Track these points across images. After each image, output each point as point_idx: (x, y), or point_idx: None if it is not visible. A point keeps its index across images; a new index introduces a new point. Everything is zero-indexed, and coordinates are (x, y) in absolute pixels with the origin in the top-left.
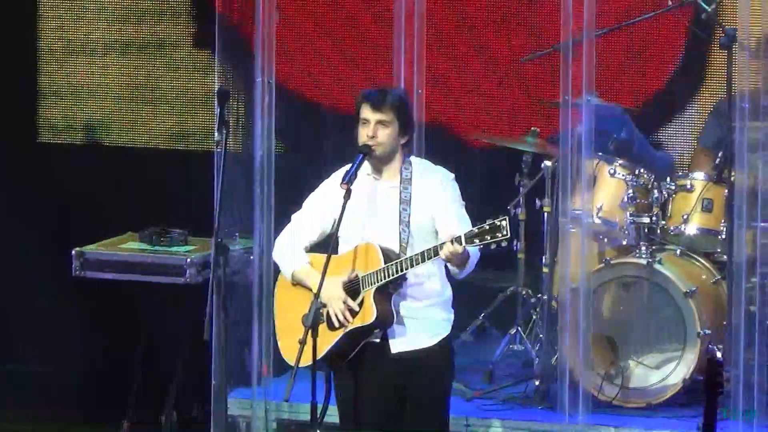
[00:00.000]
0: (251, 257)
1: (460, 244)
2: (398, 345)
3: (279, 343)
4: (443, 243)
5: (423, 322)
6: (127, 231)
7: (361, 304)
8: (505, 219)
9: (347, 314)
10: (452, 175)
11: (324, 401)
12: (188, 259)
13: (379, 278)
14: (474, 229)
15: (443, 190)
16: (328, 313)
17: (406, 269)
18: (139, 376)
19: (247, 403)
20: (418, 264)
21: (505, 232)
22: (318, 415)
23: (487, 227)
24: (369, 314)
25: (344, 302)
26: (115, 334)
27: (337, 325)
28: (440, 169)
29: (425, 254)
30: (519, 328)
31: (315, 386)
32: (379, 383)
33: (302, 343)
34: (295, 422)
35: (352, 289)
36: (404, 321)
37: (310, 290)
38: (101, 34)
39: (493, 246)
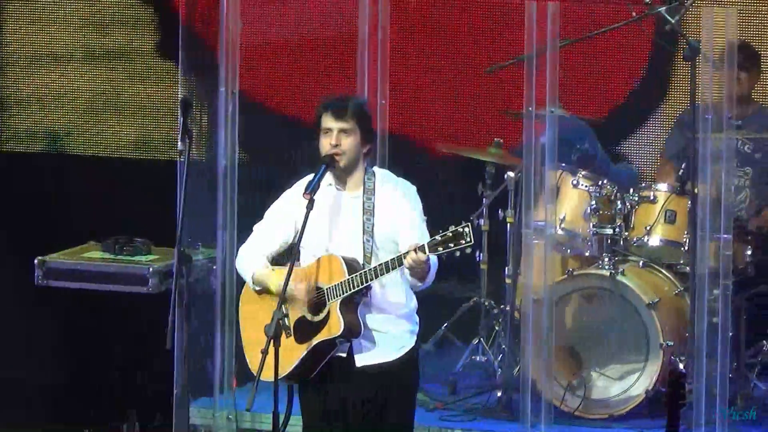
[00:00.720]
0: (214, 267)
1: (424, 252)
2: (363, 359)
3: (246, 356)
4: (407, 252)
5: (388, 335)
6: (90, 240)
7: (327, 317)
8: (467, 226)
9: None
10: (414, 188)
11: (286, 411)
12: (151, 269)
13: (344, 290)
14: (437, 237)
15: (407, 201)
16: (294, 323)
17: (370, 280)
18: (101, 384)
19: (209, 413)
20: (382, 274)
21: (468, 239)
22: (280, 425)
23: (450, 234)
24: (336, 326)
25: (308, 309)
26: (77, 343)
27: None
28: (403, 180)
29: (389, 264)
30: (481, 339)
31: (277, 396)
32: (345, 397)
33: (264, 353)
34: None
35: (318, 301)
36: (370, 334)
37: (274, 296)
38: (65, 43)
39: (457, 253)
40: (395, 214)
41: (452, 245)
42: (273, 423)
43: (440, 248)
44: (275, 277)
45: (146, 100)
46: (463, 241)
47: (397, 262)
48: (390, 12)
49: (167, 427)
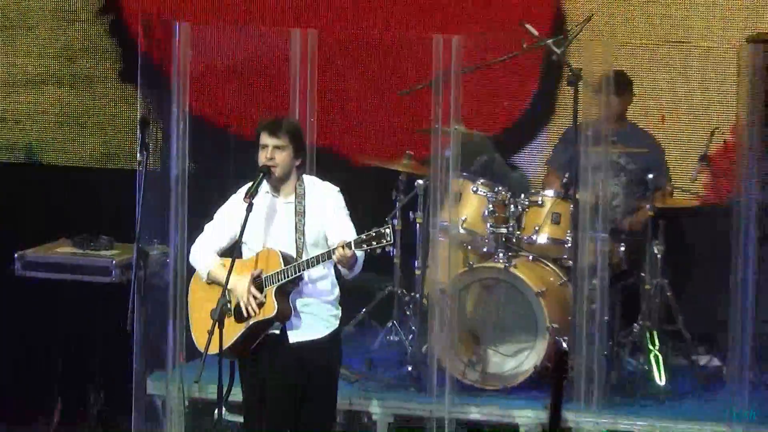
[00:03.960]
0: (167, 260)
1: (350, 248)
2: (295, 336)
3: (193, 335)
4: (335, 248)
5: (316, 317)
6: (62, 237)
7: (264, 300)
8: (388, 227)
9: (253, 304)
10: (338, 188)
11: (229, 383)
12: (114, 262)
13: (279, 278)
14: (362, 235)
15: (333, 202)
16: (235, 306)
17: (302, 271)
18: (71, 360)
19: (163, 384)
20: (313, 266)
21: (389, 238)
22: (223, 394)
23: (374, 234)
24: (271, 309)
25: (252, 294)
26: (50, 325)
27: (242, 316)
28: (328, 184)
29: (319, 258)
30: (395, 322)
31: (221, 370)
32: (279, 369)
33: (210, 333)
34: (204, 400)
35: (257, 286)
36: (300, 315)
37: (222, 286)
38: (40, 69)
39: (378, 251)
40: (323, 215)
41: (375, 243)
42: (218, 392)
43: (364, 245)
44: (225, 270)
45: (110, 118)
46: (384, 240)
47: (326, 256)
48: (318, 43)
49: (128, 397)
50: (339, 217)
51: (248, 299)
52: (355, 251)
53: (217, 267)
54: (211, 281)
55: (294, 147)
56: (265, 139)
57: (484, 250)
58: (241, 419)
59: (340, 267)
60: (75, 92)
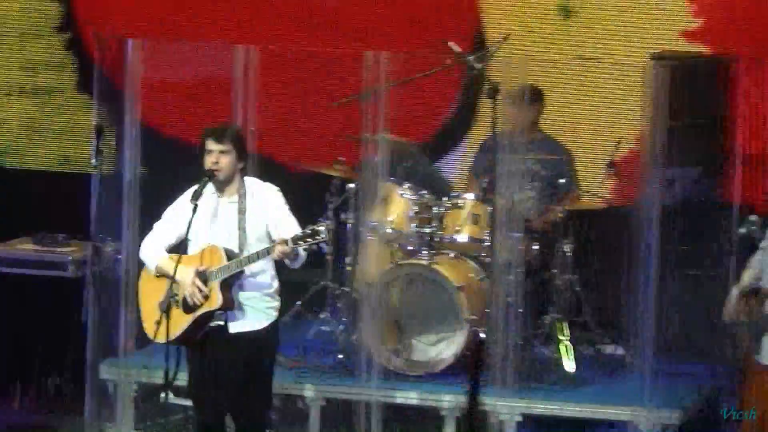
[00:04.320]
0: (119, 257)
1: (288, 245)
2: (236, 327)
3: (143, 324)
4: (274, 245)
5: (256, 309)
6: (23, 235)
7: (209, 293)
8: (323, 225)
9: (198, 295)
10: (277, 188)
11: (175, 368)
12: (70, 258)
13: (223, 272)
14: (299, 233)
15: (274, 200)
16: (182, 298)
17: (244, 266)
18: (29, 348)
19: (114, 370)
20: (254, 261)
21: (323, 236)
22: (170, 379)
23: (309, 232)
24: (215, 301)
25: (197, 286)
26: (9, 317)
27: (191, 303)
28: (268, 184)
29: (259, 254)
30: (327, 314)
31: (168, 356)
32: (221, 356)
33: (158, 323)
34: (152, 384)
35: (202, 280)
36: (242, 307)
37: (169, 279)
38: (3, 80)
39: (314, 247)
40: (265, 213)
41: (310, 240)
42: (164, 377)
43: (301, 242)
44: (173, 265)
45: (67, 127)
46: (320, 237)
47: (266, 252)
48: (259, 58)
49: (82, 382)
50: (282, 213)
51: (193, 291)
52: (295, 247)
53: (165, 262)
54: (160, 275)
55: (237, 152)
56: (211, 145)
57: (409, 248)
58: (185, 402)
59: (285, 260)
60: (36, 102)
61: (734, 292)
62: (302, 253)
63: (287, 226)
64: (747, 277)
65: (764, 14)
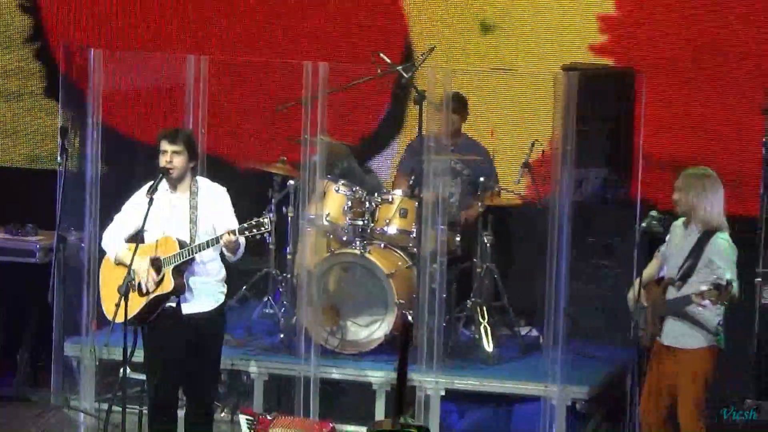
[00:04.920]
0: (83, 245)
1: (235, 234)
2: (188, 308)
3: (103, 306)
4: (222, 234)
5: (206, 293)
6: None
7: (162, 278)
8: (267, 217)
9: (151, 281)
10: (225, 188)
11: (132, 346)
12: (38, 245)
13: (175, 260)
14: (245, 224)
15: (222, 199)
16: (139, 283)
17: (194, 253)
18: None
19: (78, 347)
20: (203, 249)
21: (267, 226)
22: (128, 356)
23: (254, 223)
24: (168, 285)
25: (150, 273)
26: None
27: (144, 290)
28: (217, 184)
29: (209, 242)
30: (270, 298)
31: (126, 336)
32: (174, 335)
33: (117, 305)
34: (112, 361)
35: (157, 266)
36: (193, 291)
37: (126, 267)
38: None
39: (258, 237)
40: (213, 209)
41: (255, 230)
42: (123, 354)
43: (247, 232)
44: (130, 254)
45: (36, 128)
46: (263, 228)
47: (215, 241)
48: (209, 67)
49: (48, 358)
50: (226, 211)
51: (147, 278)
52: (239, 238)
53: (123, 250)
54: (119, 262)
55: (189, 152)
56: (165, 145)
57: (344, 238)
58: (142, 377)
59: (226, 252)
60: (7, 105)
61: (637, 281)
62: (241, 248)
63: (230, 223)
64: (651, 268)
65: (661, 31)
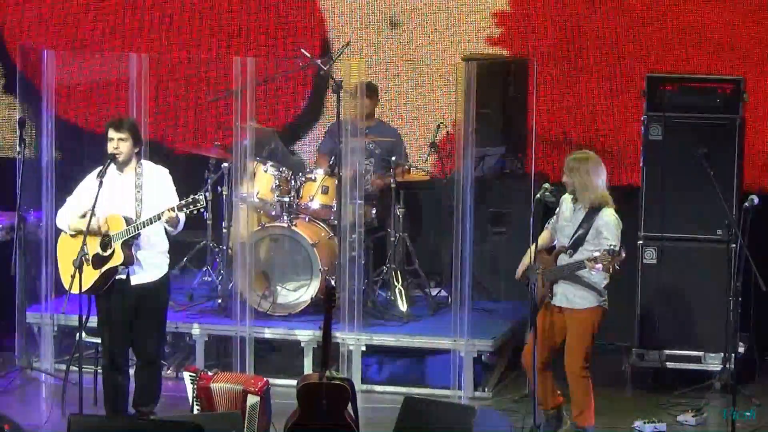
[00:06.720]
0: (41, 224)
1: (175, 211)
2: (136, 279)
3: (61, 278)
4: (164, 211)
5: (151, 264)
6: None
7: (113, 252)
8: (202, 195)
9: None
10: (167, 170)
11: (86, 313)
12: (1, 225)
13: (123, 235)
14: (183, 201)
15: (164, 179)
16: (92, 256)
17: (141, 229)
18: None
19: (38, 315)
20: (148, 225)
21: (202, 203)
22: (83, 322)
23: (191, 200)
24: (119, 258)
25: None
26: None
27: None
28: (160, 167)
29: (152, 219)
30: (208, 267)
31: (81, 303)
32: (124, 304)
33: (73, 276)
34: (69, 327)
35: (106, 242)
36: (140, 263)
37: (79, 241)
38: None
39: (195, 212)
40: (157, 189)
41: (192, 207)
42: (78, 321)
43: (185, 209)
44: (82, 224)
45: None
46: (199, 204)
47: (157, 218)
48: (149, 63)
49: (12, 325)
50: (168, 190)
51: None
52: (179, 214)
53: (77, 223)
54: (74, 233)
55: (133, 139)
56: (112, 133)
57: (273, 213)
58: (96, 340)
59: (167, 227)
60: None
61: (534, 245)
62: (181, 223)
63: (172, 201)
64: (542, 239)
65: (549, 24)
